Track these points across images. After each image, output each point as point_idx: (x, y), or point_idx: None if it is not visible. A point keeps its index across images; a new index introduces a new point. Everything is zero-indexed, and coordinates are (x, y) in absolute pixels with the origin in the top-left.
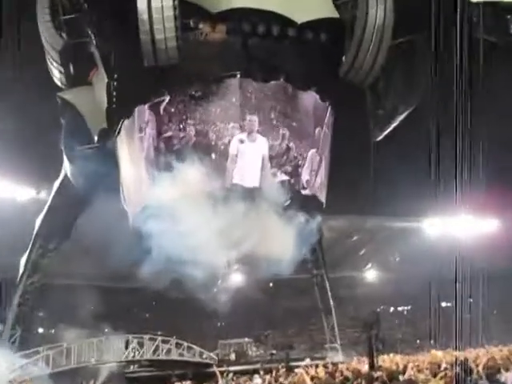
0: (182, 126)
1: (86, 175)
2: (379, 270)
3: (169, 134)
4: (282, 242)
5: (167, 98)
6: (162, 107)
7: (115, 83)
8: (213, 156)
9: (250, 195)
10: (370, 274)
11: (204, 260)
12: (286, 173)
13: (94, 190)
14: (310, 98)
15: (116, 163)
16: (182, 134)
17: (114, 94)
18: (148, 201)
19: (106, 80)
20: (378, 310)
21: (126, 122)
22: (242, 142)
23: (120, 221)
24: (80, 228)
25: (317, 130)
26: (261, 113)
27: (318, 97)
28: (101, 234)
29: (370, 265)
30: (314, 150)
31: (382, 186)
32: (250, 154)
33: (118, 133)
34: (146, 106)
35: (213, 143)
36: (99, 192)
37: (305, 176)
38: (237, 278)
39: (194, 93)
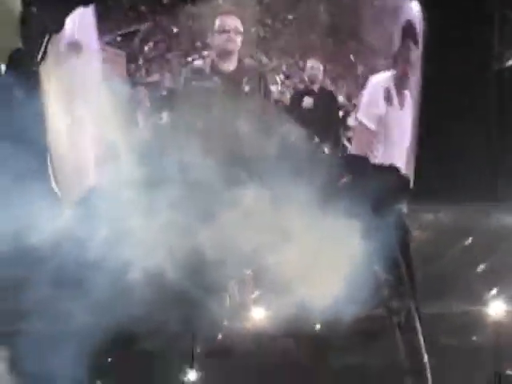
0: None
1: None
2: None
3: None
4: (333, 252)
5: None
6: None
7: None
8: None
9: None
10: (495, 308)
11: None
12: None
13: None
14: None
15: (38, 111)
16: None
17: None
18: (103, 180)
19: None
20: (509, 372)
21: (56, 36)
22: None
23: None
24: None
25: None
26: None
27: None
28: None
29: (494, 291)
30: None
31: None
32: None
33: (43, 58)
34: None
35: None
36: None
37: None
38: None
39: None
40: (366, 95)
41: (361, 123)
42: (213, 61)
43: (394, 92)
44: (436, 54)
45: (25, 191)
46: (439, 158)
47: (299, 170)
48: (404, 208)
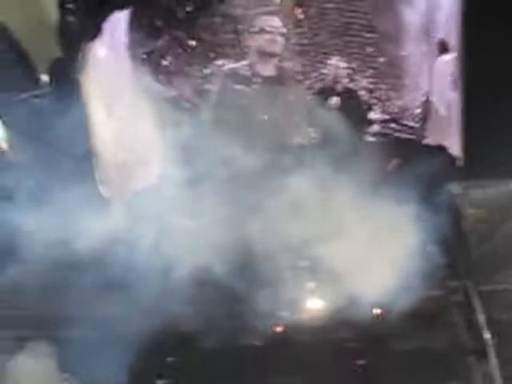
0: None
1: (32, 141)
2: None
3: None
4: (386, 236)
5: None
6: None
7: None
8: None
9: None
10: None
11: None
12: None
13: (46, 166)
14: None
15: (81, 117)
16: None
17: None
18: (158, 180)
19: None
20: None
21: (95, 43)
22: None
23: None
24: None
25: None
26: None
27: None
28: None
29: None
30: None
31: None
32: None
33: (82, 65)
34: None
35: None
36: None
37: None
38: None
39: None
40: (435, 81)
41: (436, 111)
42: (252, 64)
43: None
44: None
45: (72, 196)
46: (488, 135)
47: (347, 158)
48: (455, 187)
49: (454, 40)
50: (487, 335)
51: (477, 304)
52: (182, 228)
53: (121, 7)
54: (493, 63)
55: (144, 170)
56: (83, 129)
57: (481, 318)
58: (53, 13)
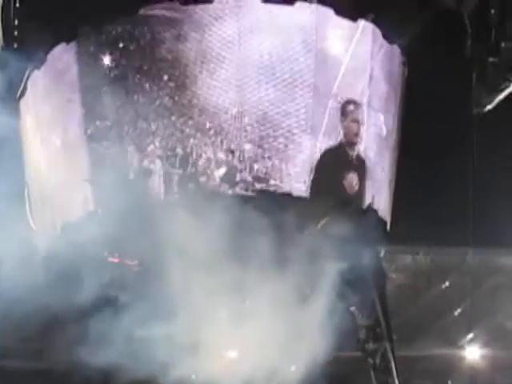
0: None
1: None
2: (489, 344)
3: None
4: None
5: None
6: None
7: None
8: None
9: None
10: (472, 353)
11: None
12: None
13: None
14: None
15: (17, 147)
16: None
17: (16, 22)
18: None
19: None
20: None
21: (37, 72)
22: None
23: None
24: None
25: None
26: None
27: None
28: None
29: (471, 335)
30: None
31: (493, 195)
32: None
33: (22, 93)
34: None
35: None
36: None
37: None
38: None
39: None
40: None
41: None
42: None
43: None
44: (416, 99)
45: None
46: (416, 201)
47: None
48: (381, 250)
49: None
50: None
51: (393, 368)
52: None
53: (67, 39)
54: (422, 137)
55: (72, 204)
56: (18, 158)
57: (396, 382)
58: None
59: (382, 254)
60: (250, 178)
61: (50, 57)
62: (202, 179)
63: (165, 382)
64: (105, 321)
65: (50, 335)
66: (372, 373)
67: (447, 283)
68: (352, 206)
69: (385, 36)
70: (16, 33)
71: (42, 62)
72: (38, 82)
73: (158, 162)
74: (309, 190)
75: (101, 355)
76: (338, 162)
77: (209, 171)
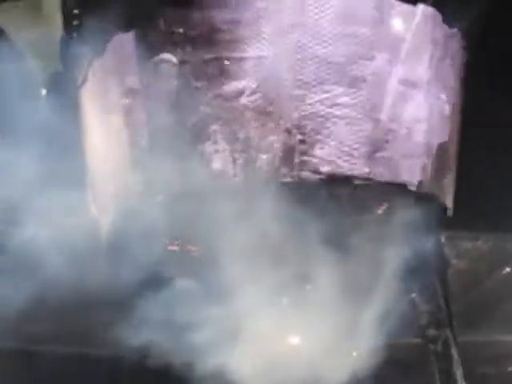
0: None
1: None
2: None
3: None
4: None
5: None
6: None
7: None
8: None
9: None
10: None
11: None
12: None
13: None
14: None
15: (77, 134)
16: None
17: (76, 11)
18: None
19: None
20: None
21: (97, 61)
22: None
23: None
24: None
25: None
26: None
27: None
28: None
29: None
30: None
31: None
32: None
33: (83, 82)
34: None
35: None
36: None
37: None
38: None
39: None
40: None
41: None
42: None
43: None
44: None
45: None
46: (479, 186)
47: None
48: (442, 236)
49: None
50: None
51: (455, 354)
52: None
53: (126, 28)
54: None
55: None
56: (79, 147)
57: (459, 370)
58: (57, 27)
59: (443, 239)
60: (314, 160)
61: (109, 46)
62: (264, 163)
63: (225, 369)
64: (160, 304)
65: (111, 322)
66: (433, 359)
67: (508, 269)
68: (413, 191)
69: (445, 20)
70: (76, 22)
71: (102, 50)
72: (99, 70)
73: (220, 146)
74: (371, 174)
75: (158, 340)
76: None
77: (271, 154)
